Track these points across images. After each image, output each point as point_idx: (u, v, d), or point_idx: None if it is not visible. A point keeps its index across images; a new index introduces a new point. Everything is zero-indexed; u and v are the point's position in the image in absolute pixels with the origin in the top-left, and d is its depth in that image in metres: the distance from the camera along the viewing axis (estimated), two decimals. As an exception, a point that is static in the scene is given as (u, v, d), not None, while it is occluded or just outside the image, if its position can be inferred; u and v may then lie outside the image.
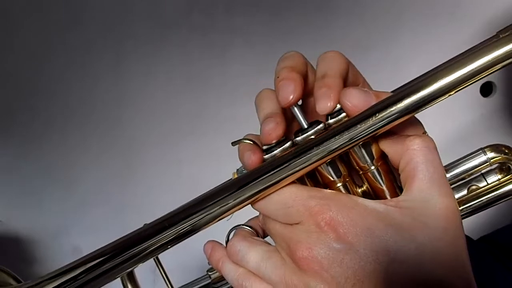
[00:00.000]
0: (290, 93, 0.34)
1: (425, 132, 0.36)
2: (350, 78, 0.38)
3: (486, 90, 0.84)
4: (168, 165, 0.79)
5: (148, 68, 0.76)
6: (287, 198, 0.34)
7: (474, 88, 0.82)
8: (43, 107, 0.74)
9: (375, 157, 0.35)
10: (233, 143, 0.35)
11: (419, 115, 0.34)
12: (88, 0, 0.72)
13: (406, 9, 0.79)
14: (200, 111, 0.79)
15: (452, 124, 0.83)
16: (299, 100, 0.35)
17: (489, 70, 0.32)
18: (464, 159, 0.43)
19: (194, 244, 0.40)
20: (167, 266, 0.43)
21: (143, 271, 0.43)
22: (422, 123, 0.37)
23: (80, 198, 0.76)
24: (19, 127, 0.74)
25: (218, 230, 0.37)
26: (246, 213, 0.37)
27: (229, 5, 0.75)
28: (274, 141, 0.34)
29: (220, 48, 0.77)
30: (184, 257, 0.61)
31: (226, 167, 0.40)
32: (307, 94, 0.38)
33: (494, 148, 0.41)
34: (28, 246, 0.75)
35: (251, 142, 0.35)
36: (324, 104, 0.34)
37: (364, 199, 0.33)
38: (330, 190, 0.34)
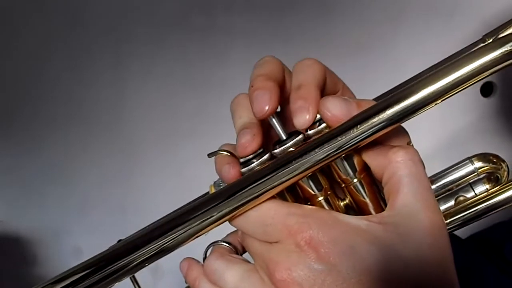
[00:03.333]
0: (265, 103, 0.32)
1: (410, 143, 0.35)
2: (328, 86, 0.36)
3: (487, 90, 0.82)
4: (168, 165, 0.79)
5: (147, 68, 0.76)
6: (266, 215, 0.32)
7: (475, 88, 0.81)
8: (43, 107, 0.74)
9: (358, 169, 0.33)
10: (210, 155, 0.34)
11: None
12: (88, 0, 0.72)
13: (405, 9, 0.78)
14: (200, 111, 0.78)
15: (450, 125, 0.82)
16: (275, 110, 0.33)
17: (477, 77, 0.31)
18: (451, 169, 0.41)
19: (194, 249, 0.39)
20: (163, 270, 0.43)
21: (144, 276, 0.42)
22: (420, 122, 0.36)
23: (80, 198, 0.77)
24: (19, 127, 0.74)
25: (196, 245, 0.36)
26: (224, 228, 0.36)
27: (229, 5, 0.75)
28: (250, 155, 0.32)
29: (220, 48, 0.76)
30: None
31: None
32: (285, 101, 0.35)
33: (482, 157, 0.40)
34: (28, 246, 0.75)
35: (228, 154, 0.34)
36: (301, 118, 0.32)
37: (346, 215, 0.32)
38: (310, 206, 0.33)
